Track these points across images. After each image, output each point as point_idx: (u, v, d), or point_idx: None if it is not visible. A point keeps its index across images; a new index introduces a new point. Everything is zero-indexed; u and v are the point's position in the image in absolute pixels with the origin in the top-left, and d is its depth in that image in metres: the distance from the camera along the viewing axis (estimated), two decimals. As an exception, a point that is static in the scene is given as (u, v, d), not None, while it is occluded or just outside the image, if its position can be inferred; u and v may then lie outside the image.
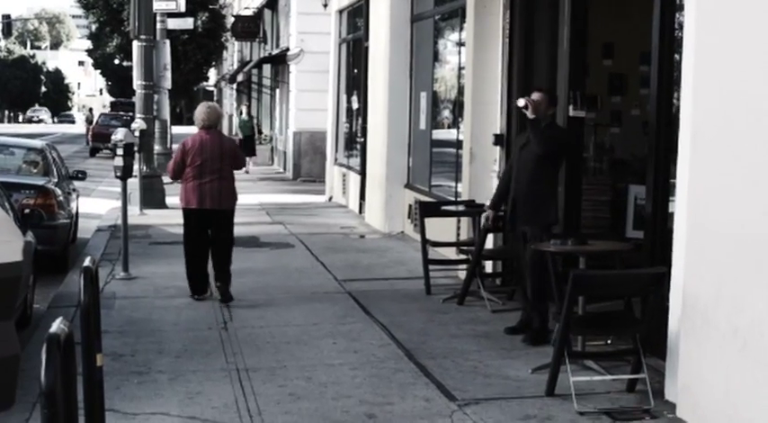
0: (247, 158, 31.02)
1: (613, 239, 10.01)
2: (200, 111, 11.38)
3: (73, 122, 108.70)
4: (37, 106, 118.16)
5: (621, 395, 7.61)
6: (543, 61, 11.84)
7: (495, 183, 11.45)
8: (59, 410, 3.83)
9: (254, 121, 37.26)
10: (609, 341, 8.89)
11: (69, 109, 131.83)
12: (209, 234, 11.31)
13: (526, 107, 9.12)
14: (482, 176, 12.50)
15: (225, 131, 49.23)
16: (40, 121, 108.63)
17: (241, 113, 35.82)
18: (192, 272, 11.36)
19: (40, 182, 13.82)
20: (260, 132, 38.83)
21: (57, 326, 4.02)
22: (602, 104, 12.58)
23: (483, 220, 10.31)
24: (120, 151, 12.53)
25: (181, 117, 70.60)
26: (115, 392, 7.46)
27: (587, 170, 12.31)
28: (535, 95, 9.33)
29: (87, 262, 5.99)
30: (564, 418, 7.09)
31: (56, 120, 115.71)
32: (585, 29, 10.77)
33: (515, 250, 9.93)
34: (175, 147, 11.64)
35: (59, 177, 14.79)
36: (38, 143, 16.17)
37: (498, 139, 11.95)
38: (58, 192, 13.89)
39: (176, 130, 44.46)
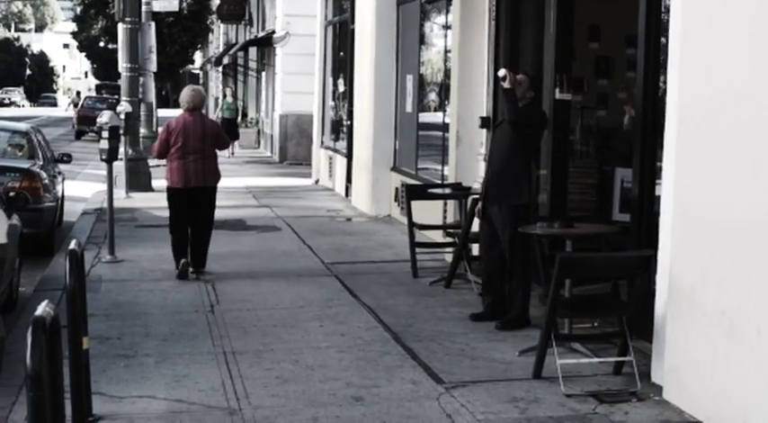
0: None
1: (600, 222, 10.02)
2: (186, 94, 11.87)
3: (54, 105, 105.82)
4: (10, 87, 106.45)
5: (608, 378, 7.63)
6: (529, 44, 11.82)
7: (481, 165, 11.45)
8: (45, 394, 3.82)
9: (239, 103, 36.28)
10: (595, 324, 8.91)
11: (54, 91, 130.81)
12: (192, 211, 11.65)
13: (504, 78, 9.07)
14: (468, 159, 12.49)
15: (211, 114, 49.25)
16: (11, 103, 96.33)
17: (225, 96, 34.66)
18: (178, 250, 11.63)
19: (25, 165, 13.79)
20: (244, 116, 37.96)
21: (42, 309, 4.02)
22: (589, 87, 12.55)
23: (477, 211, 10.06)
24: (105, 134, 12.52)
25: (167, 100, 70.34)
26: (102, 375, 7.45)
27: (574, 153, 12.29)
28: (519, 76, 9.31)
29: (73, 245, 5.98)
30: (551, 400, 7.11)
31: (35, 102, 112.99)
32: (572, 12, 10.76)
33: (481, 232, 9.75)
34: (161, 129, 11.84)
35: (45, 160, 14.75)
36: (23, 126, 16.13)
37: (485, 122, 11.94)
38: (44, 175, 13.86)
39: (162, 112, 44.35)
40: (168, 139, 11.58)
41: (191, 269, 11.56)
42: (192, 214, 11.66)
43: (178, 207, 11.64)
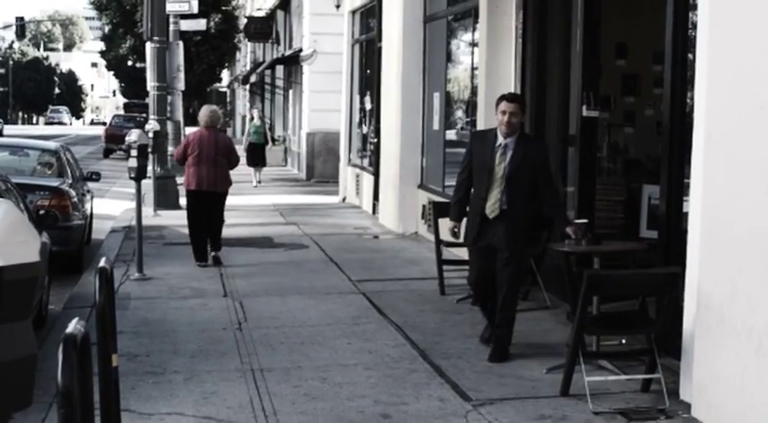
0: (255, 169, 28.42)
1: (627, 239, 10.00)
2: (204, 113, 14.00)
3: (63, 123, 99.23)
4: None
5: (636, 395, 7.60)
6: (556, 61, 11.84)
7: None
8: (76, 410, 3.84)
9: (266, 126, 32.73)
10: (623, 341, 8.88)
11: (83, 109, 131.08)
12: (204, 211, 13.69)
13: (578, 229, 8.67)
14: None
15: (237, 133, 49.44)
16: None
17: (252, 118, 31.23)
18: (195, 241, 13.76)
19: (54, 183, 13.86)
20: (273, 140, 34.84)
21: (73, 326, 4.04)
22: (616, 104, 12.55)
23: (451, 233, 9.36)
24: (133, 152, 12.60)
25: (194, 118, 70.67)
26: (131, 393, 7.48)
27: (601, 170, 12.28)
28: (507, 106, 8.67)
29: (103, 263, 6.01)
30: (579, 418, 7.09)
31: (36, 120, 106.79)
32: (598, 29, 10.76)
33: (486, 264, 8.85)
34: (182, 139, 12.64)
35: (74, 178, 14.83)
36: (52, 145, 16.25)
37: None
38: (73, 193, 13.93)
39: (190, 131, 44.63)
40: (186, 150, 13.66)
41: (212, 253, 13.69)
42: (206, 213, 13.66)
43: (193, 206, 13.73)
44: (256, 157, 28.86)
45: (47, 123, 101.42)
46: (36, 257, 5.47)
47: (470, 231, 8.88)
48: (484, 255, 8.81)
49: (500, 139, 8.71)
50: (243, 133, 34.66)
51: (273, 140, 35.25)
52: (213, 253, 13.75)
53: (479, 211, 8.76)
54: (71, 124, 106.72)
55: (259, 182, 28.39)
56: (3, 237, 3.92)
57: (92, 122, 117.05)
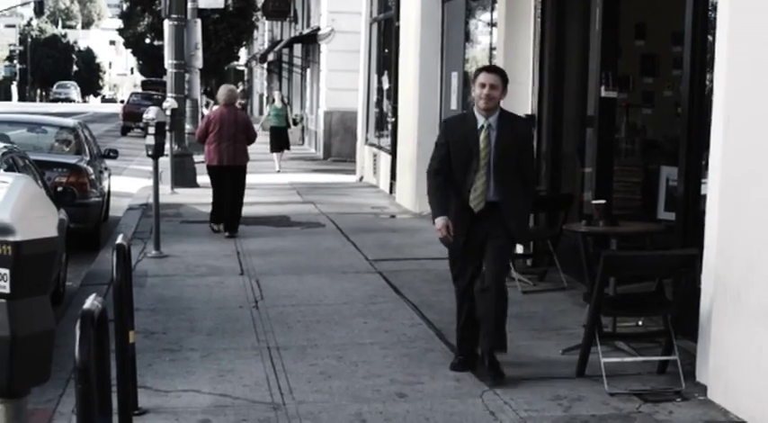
0: (277, 154, 26.52)
1: (645, 221, 9.98)
2: (222, 92, 14.95)
3: (71, 100, 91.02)
4: None
5: (652, 377, 7.59)
6: (575, 41, 11.80)
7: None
8: (93, 386, 3.87)
9: (288, 109, 29.27)
10: (640, 322, 8.87)
11: (100, 87, 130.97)
12: (226, 185, 14.48)
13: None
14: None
15: (255, 112, 49.29)
16: None
17: (273, 101, 29.19)
18: (216, 204, 14.67)
19: (72, 160, 13.90)
20: (294, 123, 32.19)
21: (90, 302, 4.06)
22: (635, 85, 12.50)
23: (442, 234, 7.95)
24: (151, 130, 12.60)
25: (211, 96, 70.69)
26: (147, 369, 7.51)
27: (619, 151, 12.25)
28: (486, 78, 7.80)
29: (120, 239, 6.04)
30: (594, 399, 7.09)
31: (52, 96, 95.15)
32: (618, 9, 10.71)
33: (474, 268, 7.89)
34: (202, 119, 12.85)
35: (91, 156, 14.88)
36: (70, 122, 16.29)
37: (530, 120, 11.90)
38: (91, 170, 13.97)
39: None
40: (207, 127, 14.43)
41: (225, 233, 14.22)
42: (226, 187, 14.42)
43: (215, 180, 14.62)
44: (279, 142, 26.79)
45: (51, 100, 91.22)
46: (54, 232, 5.47)
47: (458, 233, 7.77)
48: (474, 258, 7.84)
49: (480, 120, 7.66)
50: (260, 112, 34.34)
51: (295, 123, 32.88)
52: (227, 234, 14.21)
53: (467, 206, 7.70)
54: (86, 101, 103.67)
55: (278, 171, 25.85)
56: (21, 211, 3.92)
57: (103, 99, 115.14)
